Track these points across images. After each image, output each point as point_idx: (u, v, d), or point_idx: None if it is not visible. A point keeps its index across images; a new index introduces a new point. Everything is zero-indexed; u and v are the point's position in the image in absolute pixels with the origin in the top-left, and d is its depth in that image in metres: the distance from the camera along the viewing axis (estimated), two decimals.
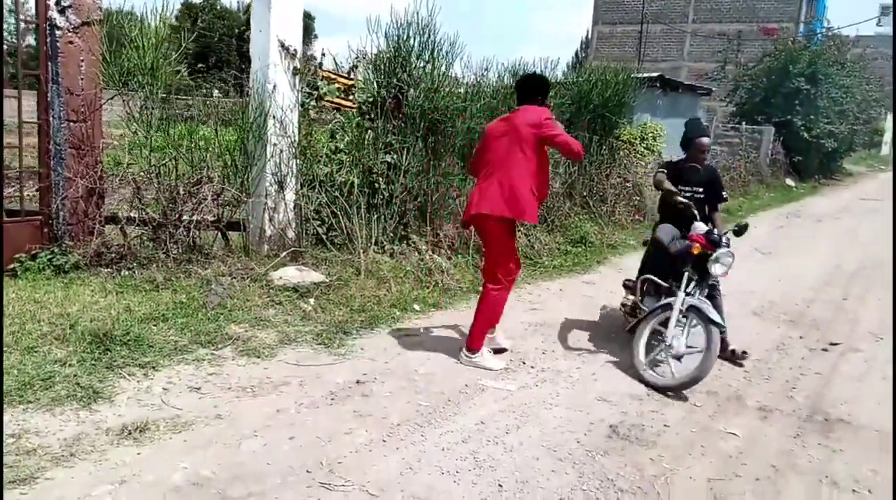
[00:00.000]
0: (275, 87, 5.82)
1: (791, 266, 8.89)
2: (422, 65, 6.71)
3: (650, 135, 11.44)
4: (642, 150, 11.21)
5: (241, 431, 3.47)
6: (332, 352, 4.61)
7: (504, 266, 4.57)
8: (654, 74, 11.47)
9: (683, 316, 4.59)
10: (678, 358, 4.51)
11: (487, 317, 4.62)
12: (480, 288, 6.49)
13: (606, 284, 7.17)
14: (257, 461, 3.21)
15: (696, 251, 4.63)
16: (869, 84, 22.52)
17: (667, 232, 4.99)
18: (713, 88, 14.53)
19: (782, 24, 30.51)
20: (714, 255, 4.60)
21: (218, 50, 40.10)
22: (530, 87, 4.53)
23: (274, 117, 5.77)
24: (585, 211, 9.60)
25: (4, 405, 3.40)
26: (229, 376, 4.10)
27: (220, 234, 5.82)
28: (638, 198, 10.56)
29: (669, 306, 4.61)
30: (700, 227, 4.80)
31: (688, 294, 4.64)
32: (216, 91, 22.09)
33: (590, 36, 39.02)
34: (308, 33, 33.71)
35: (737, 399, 4.36)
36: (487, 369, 4.52)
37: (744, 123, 20.69)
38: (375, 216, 6.40)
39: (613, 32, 37.43)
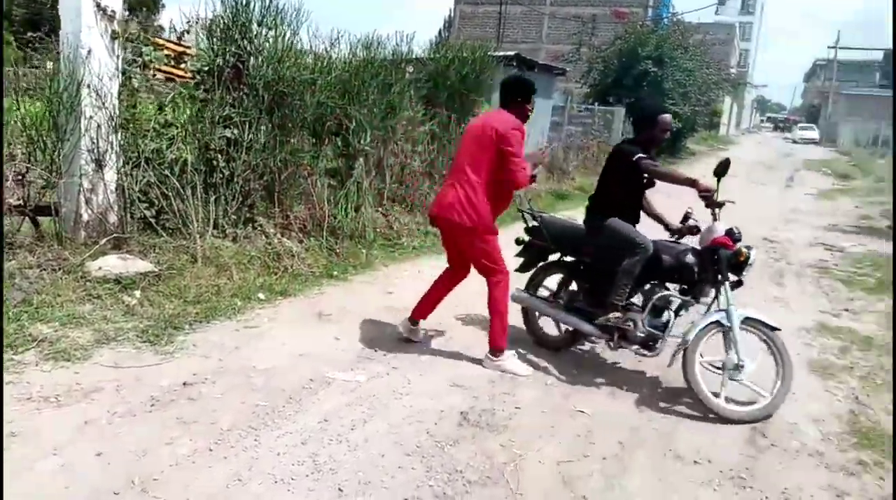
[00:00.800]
0: (90, 52, 5.12)
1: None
2: (264, 32, 6.19)
3: None
4: None
5: (38, 449, 2.96)
6: (159, 351, 4.11)
7: (493, 269, 4.35)
8: (511, 53, 11.50)
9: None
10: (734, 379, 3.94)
11: (499, 311, 4.32)
12: (335, 272, 6.25)
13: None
14: (54, 485, 2.74)
15: (742, 258, 4.01)
16: (709, 68, 24.13)
17: (641, 234, 4.26)
18: (568, 69, 14.90)
19: (633, 8, 32.01)
20: (751, 257, 4.05)
21: (51, 18, 36.48)
22: (509, 88, 4.27)
23: (89, 86, 5.08)
24: None
25: None
26: (30, 385, 3.53)
27: (27, 220, 5.07)
28: None
29: (718, 324, 3.98)
30: (719, 227, 4.09)
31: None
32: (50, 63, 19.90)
33: (452, 15, 39.12)
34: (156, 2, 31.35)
35: (590, 376, 4.35)
36: (513, 374, 4.26)
37: (596, 104, 21.50)
38: (214, 197, 5.86)
39: (475, 13, 37.72)
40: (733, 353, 3.89)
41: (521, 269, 4.90)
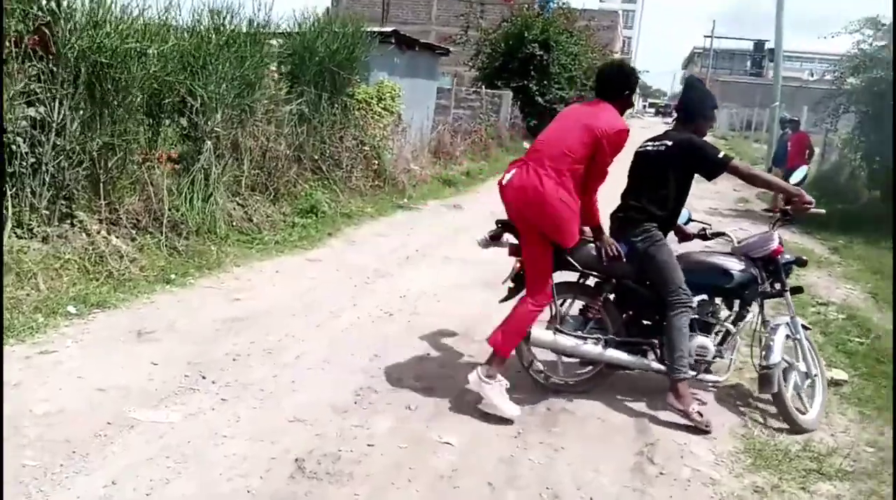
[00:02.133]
0: None
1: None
2: None
3: (388, 95, 10.79)
4: (379, 110, 10.52)
5: None
6: None
7: (537, 289, 3.57)
8: (388, 29, 10.74)
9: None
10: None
11: (513, 328, 3.61)
12: (173, 276, 5.35)
13: (334, 261, 6.32)
14: None
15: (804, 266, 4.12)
16: (593, 53, 24.31)
17: (683, 281, 3.63)
18: (450, 49, 14.31)
19: None
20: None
21: None
22: (613, 80, 3.56)
23: None
24: (318, 177, 8.64)
25: None
26: None
27: None
28: (377, 162, 9.85)
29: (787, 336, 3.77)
30: (776, 235, 3.84)
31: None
32: None
33: None
34: None
35: (457, 394, 3.75)
36: (493, 406, 3.48)
37: (484, 86, 21.11)
38: (14, 190, 4.82)
39: None
40: (803, 363, 3.77)
41: (509, 295, 3.86)
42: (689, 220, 4.09)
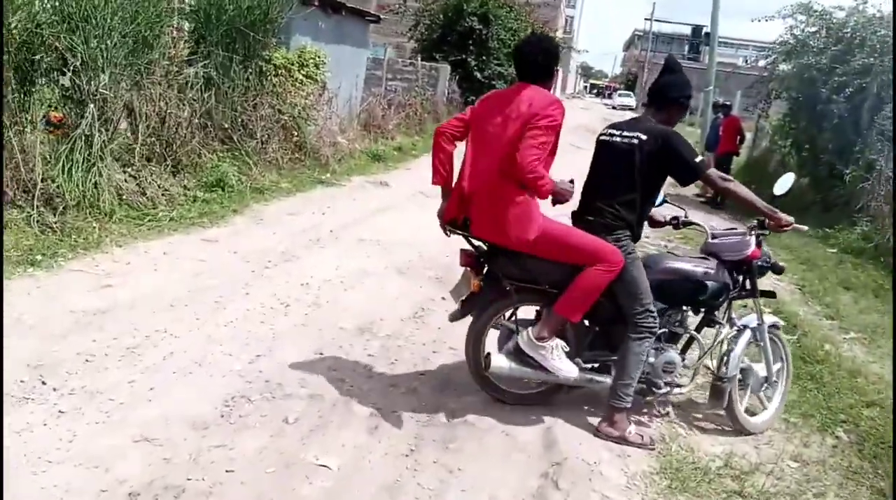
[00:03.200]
0: None
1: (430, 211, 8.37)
2: None
3: (311, 61, 10.10)
4: (301, 77, 9.83)
5: None
6: None
7: (599, 259, 3.06)
8: None
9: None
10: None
11: (587, 289, 3.08)
12: (40, 257, 4.68)
13: (233, 242, 5.73)
14: None
15: (781, 271, 3.81)
16: (534, 29, 23.89)
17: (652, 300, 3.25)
18: (381, 16, 13.63)
19: None
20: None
21: None
22: (538, 59, 3.09)
23: None
24: (227, 147, 7.96)
25: None
26: None
27: None
28: (297, 133, 9.20)
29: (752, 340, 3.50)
30: (752, 239, 3.44)
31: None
32: None
33: None
34: None
35: (346, 403, 3.30)
36: (554, 367, 3.15)
37: (420, 59, 20.50)
38: None
39: None
40: (763, 366, 3.54)
41: (462, 312, 3.37)
42: (664, 201, 3.64)
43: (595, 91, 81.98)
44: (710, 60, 17.71)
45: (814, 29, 10.13)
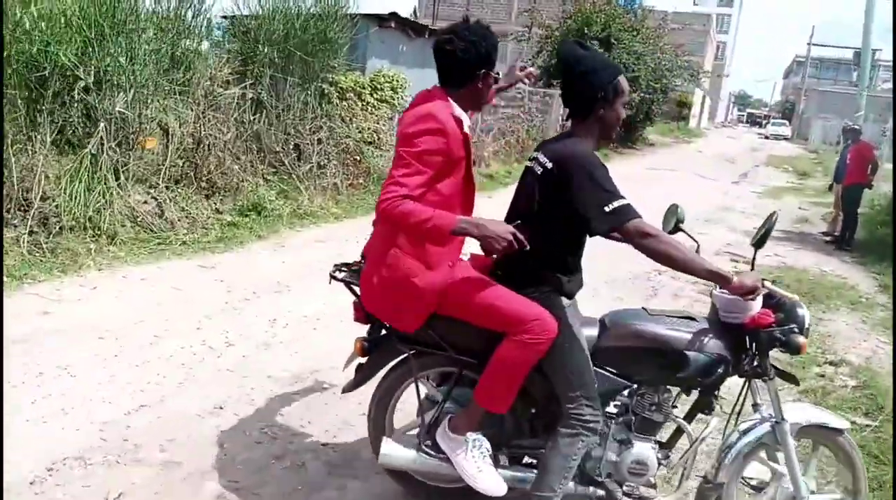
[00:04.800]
0: None
1: None
2: None
3: (386, 85, 9.79)
4: (373, 101, 9.52)
5: None
6: None
7: (519, 326, 2.20)
8: (386, 13, 9.72)
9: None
10: None
11: (507, 373, 2.26)
12: (7, 279, 4.52)
13: (229, 269, 5.36)
14: None
15: (803, 351, 2.33)
16: (663, 53, 22.46)
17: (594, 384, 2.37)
18: (520, 48, 13.13)
19: None
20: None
21: None
22: (455, 55, 2.24)
23: None
24: (275, 171, 7.73)
25: None
26: None
27: None
28: (360, 157, 8.86)
29: (762, 444, 2.49)
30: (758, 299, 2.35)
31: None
32: None
33: None
34: None
35: (201, 477, 2.67)
36: (468, 475, 2.33)
37: (539, 85, 19.85)
38: None
39: None
40: (788, 480, 2.45)
41: (355, 383, 2.62)
42: (678, 227, 2.67)
43: (750, 120, 76.86)
44: (860, 84, 15.68)
45: None
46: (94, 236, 5.33)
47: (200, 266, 5.37)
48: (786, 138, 44.48)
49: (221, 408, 3.22)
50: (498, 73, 2.38)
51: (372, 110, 9.43)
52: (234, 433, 3.03)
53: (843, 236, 9.10)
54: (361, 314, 2.49)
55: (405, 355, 2.46)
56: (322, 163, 8.26)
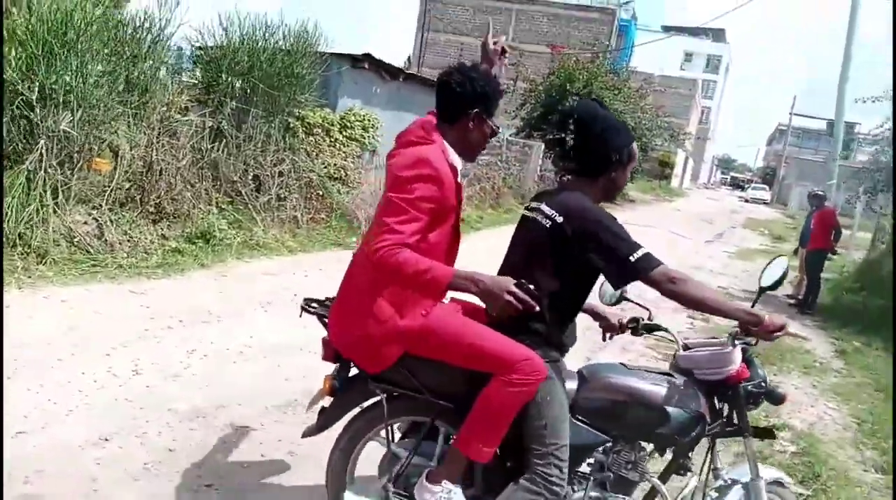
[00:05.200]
0: None
1: None
2: None
3: (357, 124, 9.75)
4: (342, 138, 9.46)
5: None
6: None
7: (509, 366, 2.08)
8: (359, 53, 9.73)
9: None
10: None
11: (495, 414, 2.12)
12: None
13: (160, 296, 5.15)
14: None
15: (782, 402, 2.53)
16: (644, 113, 22.83)
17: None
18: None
19: (594, 49, 30.76)
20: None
21: None
22: (448, 91, 2.21)
23: None
24: (231, 201, 7.58)
25: None
26: None
27: None
28: (322, 192, 8.73)
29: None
30: (737, 352, 2.33)
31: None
32: None
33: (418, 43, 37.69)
34: None
35: None
36: None
37: (516, 136, 20.18)
38: None
39: (437, 40, 36.41)
40: None
41: (318, 427, 2.41)
42: (622, 298, 2.68)
43: (733, 183, 78.20)
44: (832, 152, 15.90)
45: None
46: (22, 254, 5.13)
47: (131, 291, 5.16)
48: (765, 203, 45.13)
49: (107, 440, 3.00)
50: (498, 128, 2.31)
51: (340, 147, 9.38)
52: (113, 467, 2.80)
53: (806, 300, 9.05)
54: (330, 353, 2.32)
55: (376, 399, 2.27)
56: (282, 195, 8.14)
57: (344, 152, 9.39)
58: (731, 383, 2.30)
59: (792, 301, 9.48)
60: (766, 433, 2.55)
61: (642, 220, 20.11)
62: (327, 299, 2.40)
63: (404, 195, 2.02)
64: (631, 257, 2.09)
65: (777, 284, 2.42)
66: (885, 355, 6.54)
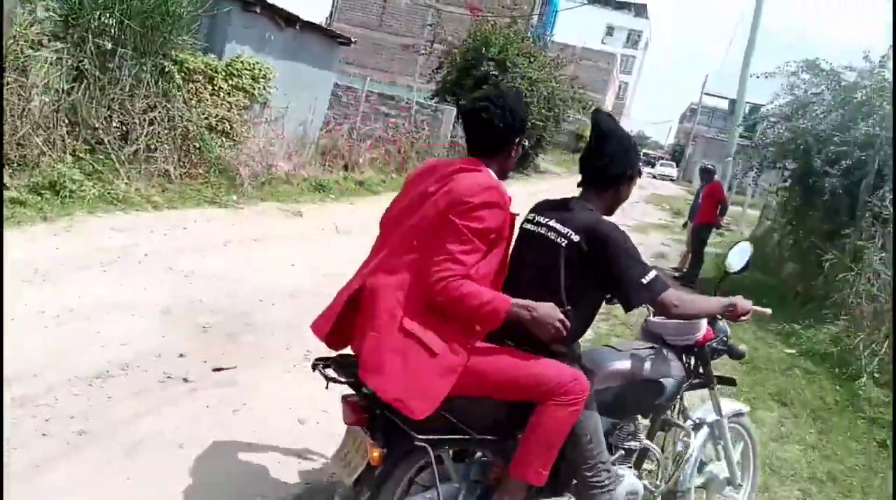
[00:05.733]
0: None
1: (321, 250, 7.15)
2: None
3: (246, 72, 9.14)
4: (226, 88, 8.84)
5: None
6: None
7: (557, 389, 2.12)
8: None
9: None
10: None
11: (542, 443, 2.16)
12: None
13: None
14: None
15: (742, 357, 3.07)
16: (558, 83, 22.83)
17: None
18: (354, 39, 12.61)
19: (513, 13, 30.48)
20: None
21: None
22: (496, 124, 2.16)
23: None
24: (90, 149, 6.93)
25: None
26: None
27: None
28: (200, 145, 8.14)
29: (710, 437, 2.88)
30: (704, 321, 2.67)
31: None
32: None
33: None
34: None
35: None
36: None
37: (433, 100, 19.80)
38: None
39: None
40: (722, 466, 2.91)
41: (357, 495, 2.18)
42: None
43: (645, 160, 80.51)
44: (731, 131, 16.41)
45: (818, 90, 8.65)
46: None
47: None
48: (671, 179, 46.63)
49: None
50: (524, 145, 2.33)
51: (225, 97, 8.76)
52: None
53: (689, 273, 9.24)
54: (358, 415, 2.11)
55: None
56: (153, 146, 7.53)
57: (229, 103, 8.78)
58: (699, 344, 2.62)
59: (676, 274, 9.67)
60: (728, 381, 3.01)
61: (548, 191, 20.28)
62: (339, 356, 2.21)
63: (472, 224, 2.00)
64: (643, 281, 2.18)
65: (743, 270, 2.76)
66: (755, 328, 6.71)
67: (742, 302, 2.46)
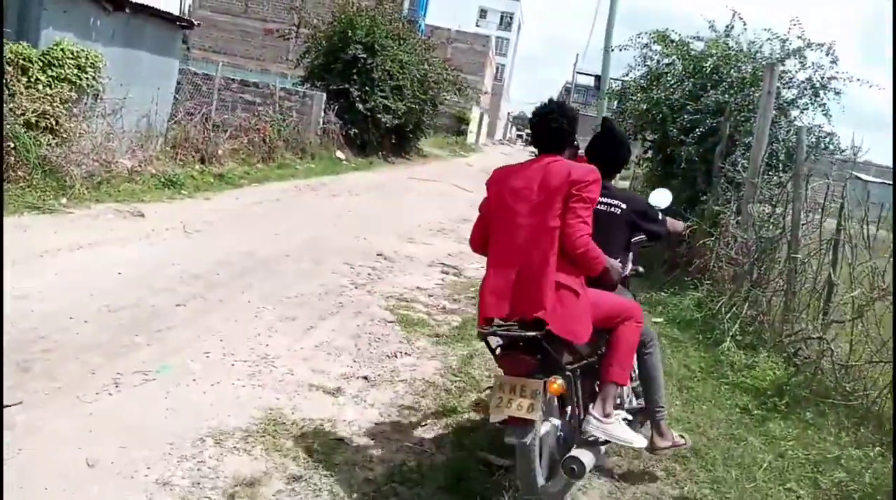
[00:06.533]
0: None
1: (198, 249, 6.51)
2: None
3: (69, 61, 8.16)
4: (45, 79, 7.85)
5: None
6: None
7: (630, 314, 3.03)
8: None
9: None
10: None
11: (627, 353, 3.00)
12: None
13: None
14: None
15: None
16: (430, 65, 22.56)
17: None
18: (197, 22, 11.72)
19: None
20: None
21: None
22: (565, 123, 2.89)
23: None
24: None
25: None
26: None
27: None
28: (16, 145, 7.15)
29: None
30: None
31: None
32: None
33: None
34: None
35: None
36: (623, 440, 2.99)
37: (303, 86, 19.00)
38: None
39: None
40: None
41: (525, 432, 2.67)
42: None
43: (527, 139, 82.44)
44: (599, 108, 16.73)
45: (668, 61, 8.80)
46: None
47: None
48: None
49: None
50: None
51: (43, 89, 7.79)
52: None
53: None
54: (530, 363, 2.67)
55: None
56: None
57: (50, 96, 7.82)
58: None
59: None
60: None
61: (428, 174, 20.01)
62: (502, 322, 2.75)
63: (591, 196, 2.72)
64: (660, 216, 3.43)
65: (670, 207, 3.59)
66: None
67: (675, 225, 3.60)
